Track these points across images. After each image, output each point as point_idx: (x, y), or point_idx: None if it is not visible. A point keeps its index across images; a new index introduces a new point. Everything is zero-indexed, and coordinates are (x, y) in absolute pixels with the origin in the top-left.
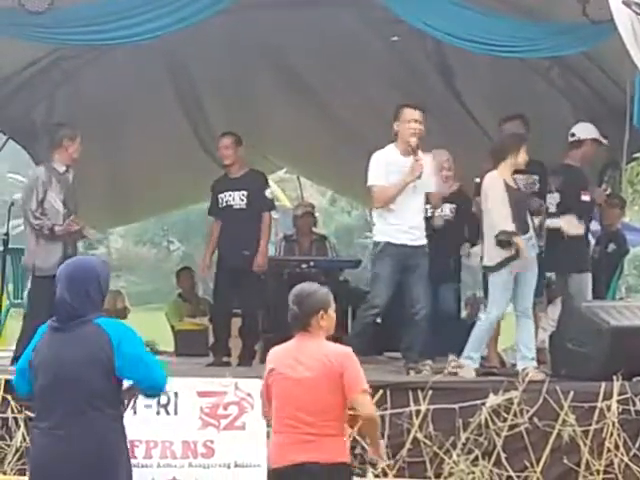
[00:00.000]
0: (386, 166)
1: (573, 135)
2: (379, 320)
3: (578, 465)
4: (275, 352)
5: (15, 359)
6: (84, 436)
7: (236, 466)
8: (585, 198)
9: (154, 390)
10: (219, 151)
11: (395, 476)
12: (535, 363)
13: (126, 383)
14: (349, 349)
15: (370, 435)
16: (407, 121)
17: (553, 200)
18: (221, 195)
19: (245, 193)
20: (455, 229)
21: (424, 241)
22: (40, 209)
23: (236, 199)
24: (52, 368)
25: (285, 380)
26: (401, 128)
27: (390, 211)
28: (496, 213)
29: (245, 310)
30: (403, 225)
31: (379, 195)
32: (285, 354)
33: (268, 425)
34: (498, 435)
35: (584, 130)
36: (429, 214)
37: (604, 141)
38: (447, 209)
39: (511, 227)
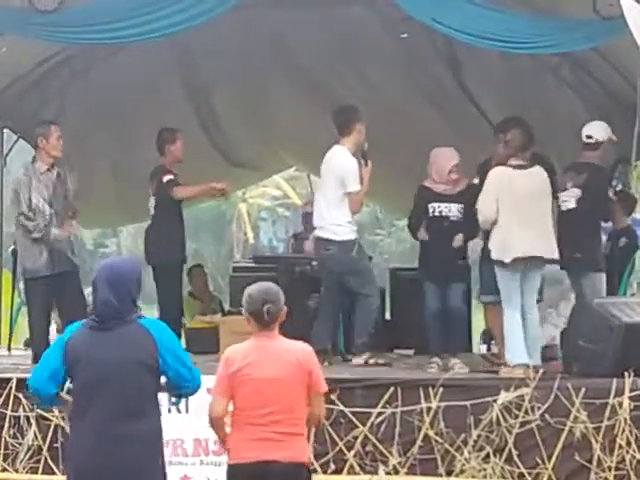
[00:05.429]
0: None
1: (590, 137)
2: (389, 317)
3: (590, 462)
4: (236, 352)
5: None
6: (131, 436)
7: None
8: (612, 196)
9: (193, 388)
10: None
11: (406, 473)
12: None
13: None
14: (310, 347)
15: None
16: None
17: (572, 195)
18: None
19: None
20: (464, 228)
21: None
22: (31, 211)
23: None
24: (94, 367)
25: (252, 380)
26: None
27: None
28: None
29: None
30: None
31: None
32: (248, 354)
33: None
34: (509, 432)
35: (600, 131)
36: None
37: (615, 139)
38: (455, 209)
39: None
